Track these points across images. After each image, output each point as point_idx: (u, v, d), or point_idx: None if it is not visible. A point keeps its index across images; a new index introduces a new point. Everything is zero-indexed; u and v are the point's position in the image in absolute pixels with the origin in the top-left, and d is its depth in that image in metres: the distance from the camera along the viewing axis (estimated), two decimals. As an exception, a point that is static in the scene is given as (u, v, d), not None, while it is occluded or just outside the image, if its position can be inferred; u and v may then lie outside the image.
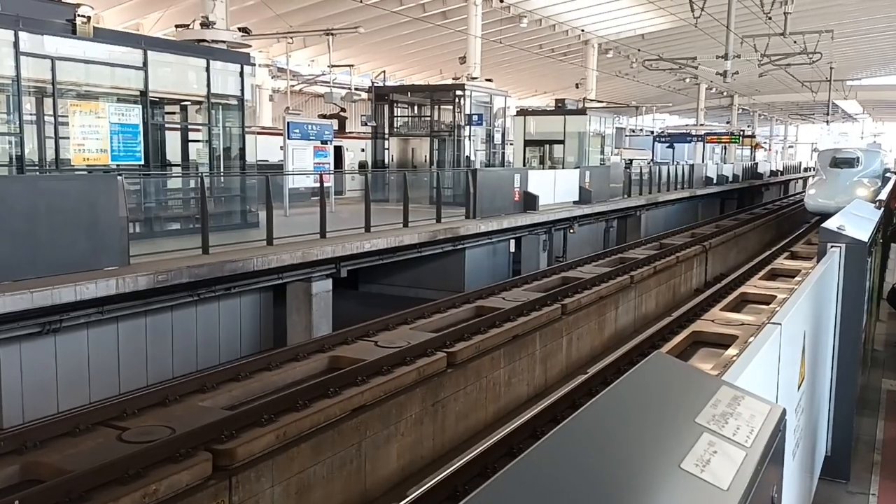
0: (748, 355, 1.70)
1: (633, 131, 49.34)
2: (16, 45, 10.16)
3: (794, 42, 26.67)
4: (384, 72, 29.33)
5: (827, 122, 52.23)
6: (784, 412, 1.36)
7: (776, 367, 2.09)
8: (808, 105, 53.72)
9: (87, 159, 11.22)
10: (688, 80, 41.41)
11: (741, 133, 49.40)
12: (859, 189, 22.86)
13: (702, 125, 46.68)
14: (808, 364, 2.84)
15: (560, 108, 28.15)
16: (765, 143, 62.85)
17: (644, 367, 1.39)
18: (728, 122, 54.90)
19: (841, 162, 25.66)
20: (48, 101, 11.12)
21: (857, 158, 25.71)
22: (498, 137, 23.53)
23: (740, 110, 57.10)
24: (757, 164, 47.26)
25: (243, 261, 10.51)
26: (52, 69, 10.68)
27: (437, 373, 8.89)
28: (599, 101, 34.68)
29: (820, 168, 26.72)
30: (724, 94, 51.66)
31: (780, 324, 2.11)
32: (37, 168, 10.95)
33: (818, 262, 4.42)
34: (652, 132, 51.20)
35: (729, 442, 1.17)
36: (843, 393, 3.84)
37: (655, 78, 39.52)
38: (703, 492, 1.05)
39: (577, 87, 34.28)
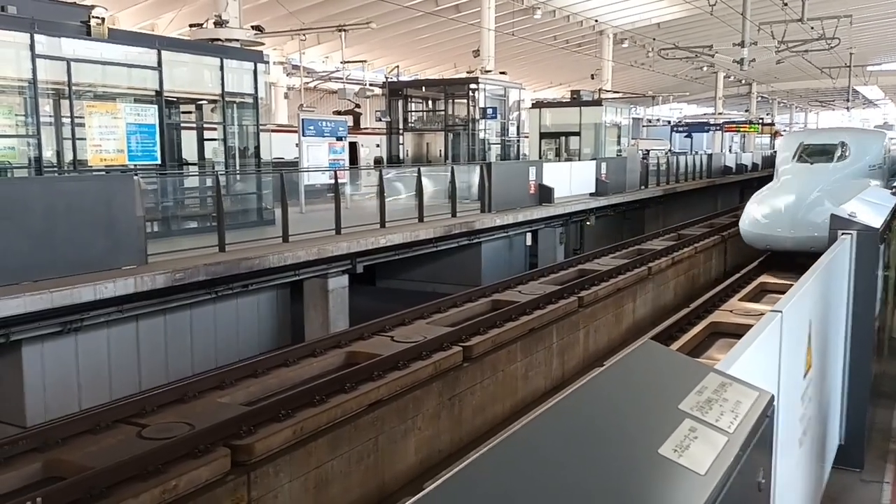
0: (744, 343, 1.70)
1: (651, 121, 49.04)
2: (32, 47, 10.28)
3: (812, 28, 26.35)
4: (398, 67, 29.36)
5: (847, 108, 51.61)
6: (772, 398, 1.36)
7: (777, 355, 2.08)
8: (828, 91, 53.10)
9: (105, 160, 11.35)
10: (705, 69, 41.06)
11: (760, 121, 48.94)
12: (843, 197, 11.25)
13: (720, 114, 46.31)
14: (815, 352, 2.83)
15: (575, 100, 28.05)
16: (785, 130, 62.25)
17: (632, 355, 1.40)
18: (747, 111, 54.42)
19: (813, 152, 15.58)
20: (65, 103, 11.25)
21: (841, 146, 15.48)
22: (513, 130, 23.49)
23: (759, 98, 56.56)
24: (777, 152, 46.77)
25: (259, 258, 10.59)
26: (68, 71, 10.80)
27: (453, 367, 8.90)
28: (615, 92, 34.51)
29: (778, 165, 16.36)
30: (742, 81, 51.18)
31: (780, 312, 2.10)
32: (55, 169, 11.09)
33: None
34: (669, 122, 50.86)
35: (711, 427, 1.18)
36: (856, 381, 3.81)
37: (672, 67, 39.24)
38: (679, 477, 1.06)
39: (593, 78, 34.14)
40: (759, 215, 14.46)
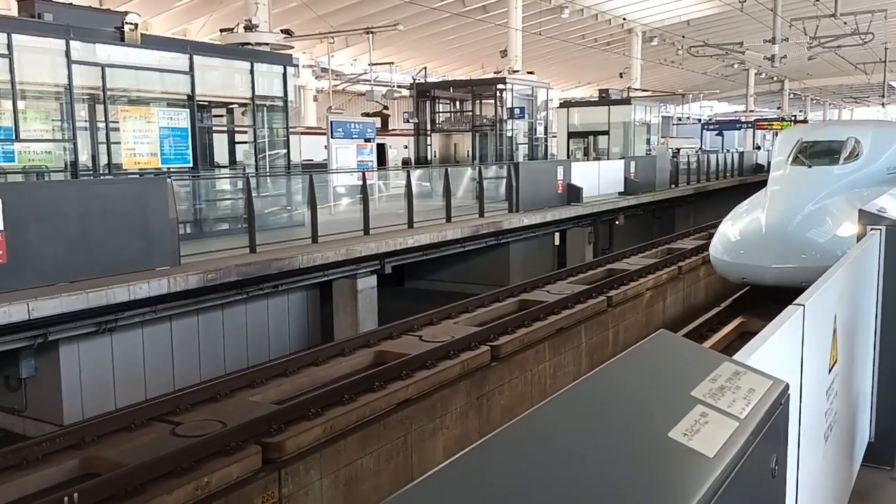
0: (764, 335, 1.72)
1: (680, 119, 48.59)
2: (67, 53, 10.51)
3: (845, 23, 25.94)
4: (425, 68, 29.45)
5: (883, 104, 50.65)
6: (786, 387, 1.38)
7: (799, 348, 2.09)
8: (863, 87, 52.19)
9: (138, 163, 11.57)
10: (735, 66, 40.60)
11: (793, 118, 48.24)
12: (850, 211, 8.98)
13: (751, 111, 45.73)
14: (842, 347, 2.82)
15: (604, 99, 27.91)
16: (818, 127, 61.17)
17: (647, 344, 1.42)
18: (779, 108, 53.65)
19: (813, 152, 12.48)
20: (99, 108, 11.48)
21: (850, 143, 12.38)
22: (540, 130, 23.44)
23: (791, 95, 55.75)
24: (809, 149, 45.97)
25: (289, 259, 10.71)
26: (103, 76, 11.02)
27: (481, 366, 8.94)
28: (644, 90, 34.26)
29: (773, 169, 13.03)
30: (774, 78, 50.48)
31: (802, 305, 2.11)
32: (90, 173, 11.32)
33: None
34: (699, 120, 50.36)
35: (722, 413, 1.20)
36: (886, 378, 3.78)
37: (702, 65, 38.87)
38: (687, 459, 1.08)
39: (621, 77, 33.94)
40: (733, 238, 11.06)
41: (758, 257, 10.49)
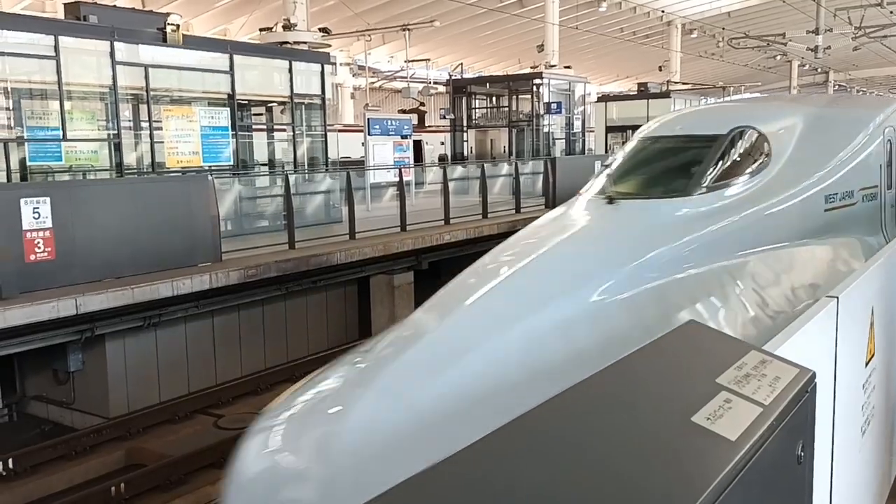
0: (795, 326, 1.73)
1: (721, 113, 47.78)
2: (112, 55, 10.76)
3: (892, 12, 25.30)
4: (461, 64, 29.46)
5: (932, 94, 49.22)
6: (813, 375, 1.39)
7: (833, 340, 2.08)
8: (911, 78, 50.74)
9: (181, 161, 11.79)
10: (778, 58, 39.84)
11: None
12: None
13: (794, 104, 44.76)
14: (880, 341, 2.79)
15: (643, 93, 27.63)
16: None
17: (675, 333, 1.44)
18: (823, 100, 52.43)
19: (656, 169, 6.44)
20: (143, 108, 11.73)
21: (742, 141, 6.17)
22: (578, 125, 23.30)
23: (836, 86, 54.52)
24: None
25: (327, 255, 10.84)
26: (146, 76, 11.26)
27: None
28: (684, 84, 33.82)
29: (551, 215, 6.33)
30: (818, 70, 49.41)
31: (836, 297, 2.10)
32: (135, 171, 11.58)
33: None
34: (741, 113, 49.43)
35: (746, 399, 1.22)
36: (929, 374, 3.71)
37: (743, 57, 38.21)
38: (709, 442, 1.11)
39: (661, 70, 33.54)
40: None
41: None
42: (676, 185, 5.86)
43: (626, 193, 5.93)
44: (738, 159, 6.11)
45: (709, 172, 5.79)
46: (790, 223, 5.90)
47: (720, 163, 5.92)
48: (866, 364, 2.59)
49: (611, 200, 5.74)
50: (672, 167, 6.34)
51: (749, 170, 5.97)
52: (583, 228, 5.76)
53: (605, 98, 29.74)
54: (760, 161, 6.05)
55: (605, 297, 4.54)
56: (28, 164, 10.23)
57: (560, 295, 4.47)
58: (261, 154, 14.80)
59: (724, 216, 5.51)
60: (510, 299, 4.48)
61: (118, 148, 11.09)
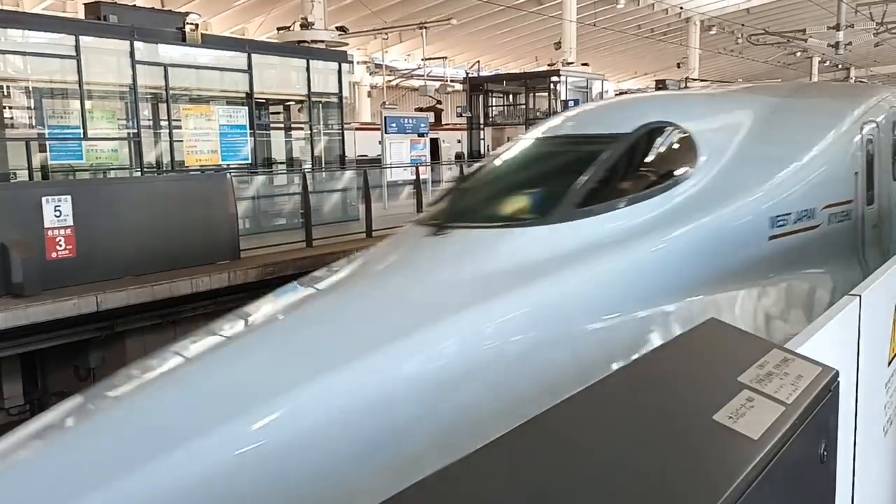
0: (816, 326, 1.71)
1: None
2: (132, 54, 10.85)
3: (915, 7, 24.99)
4: (478, 62, 29.44)
5: (955, 90, 48.53)
6: (836, 374, 1.38)
7: (854, 338, 2.07)
8: (934, 74, 50.14)
9: (200, 160, 11.87)
10: (798, 55, 39.48)
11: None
12: None
13: (814, 100, 44.31)
14: (903, 340, 2.76)
15: (661, 90, 27.48)
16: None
17: (695, 331, 1.44)
18: (844, 96, 51.84)
19: (535, 161, 4.77)
20: (162, 107, 11.82)
21: (651, 146, 4.53)
22: (595, 123, 23.20)
23: (857, 83, 53.94)
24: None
25: (344, 253, 10.87)
26: (165, 76, 11.34)
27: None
28: (703, 81, 33.60)
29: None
30: (839, 66, 48.92)
31: (859, 295, 2.08)
32: (154, 170, 11.67)
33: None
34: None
35: (768, 398, 1.22)
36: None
37: (763, 53, 37.90)
38: (731, 440, 1.10)
39: (679, 67, 33.35)
40: None
41: None
42: (537, 206, 4.12)
43: (467, 217, 4.15)
44: (642, 169, 4.42)
45: (587, 188, 3.93)
46: (710, 261, 4.02)
47: (611, 174, 4.12)
48: (889, 363, 2.57)
49: (439, 229, 3.98)
50: (542, 180, 4.49)
51: (655, 183, 4.17)
52: (373, 275, 4.02)
53: (622, 95, 29.60)
54: (678, 171, 4.30)
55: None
56: (49, 162, 10.34)
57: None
58: (278, 152, 14.87)
59: (595, 255, 3.66)
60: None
61: (138, 147, 11.18)
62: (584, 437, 1.09)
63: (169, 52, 11.48)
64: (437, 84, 28.27)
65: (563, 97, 21.60)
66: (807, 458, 1.26)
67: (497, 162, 4.95)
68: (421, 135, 17.53)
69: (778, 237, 4.39)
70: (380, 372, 2.90)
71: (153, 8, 18.02)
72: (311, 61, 13.80)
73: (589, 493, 0.96)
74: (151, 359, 3.31)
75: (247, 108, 12.55)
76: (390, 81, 33.28)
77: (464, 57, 35.84)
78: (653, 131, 4.44)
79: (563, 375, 3.02)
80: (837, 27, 22.85)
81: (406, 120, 17.55)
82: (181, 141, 11.72)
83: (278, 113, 15.50)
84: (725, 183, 4.30)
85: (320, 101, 14.22)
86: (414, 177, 14.00)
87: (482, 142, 22.73)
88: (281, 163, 14.87)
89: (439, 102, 28.94)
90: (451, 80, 29.21)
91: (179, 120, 11.77)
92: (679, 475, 1.02)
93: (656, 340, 3.54)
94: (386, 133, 16.77)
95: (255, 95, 12.73)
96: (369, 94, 34.60)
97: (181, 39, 11.44)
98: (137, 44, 10.91)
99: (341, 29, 17.21)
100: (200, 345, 3.36)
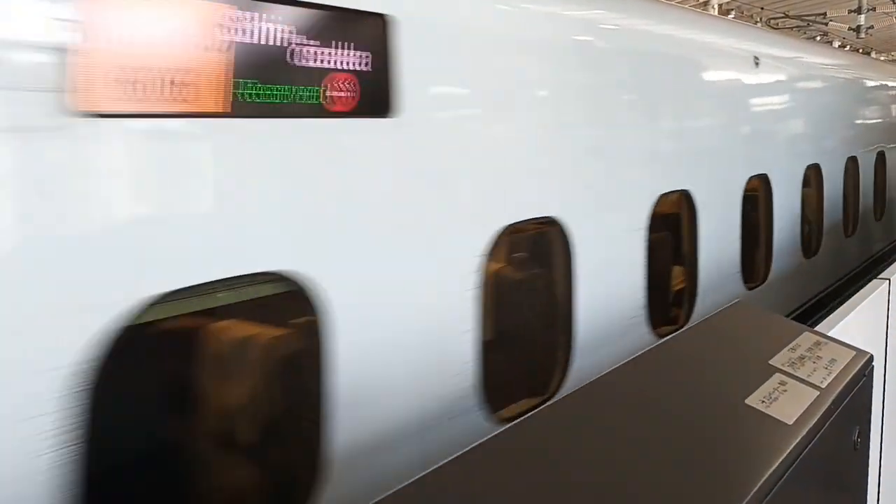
0: (846, 309, 1.66)
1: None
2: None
3: (939, -10, 24.46)
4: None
5: (979, 75, 47.73)
6: (871, 358, 1.33)
7: (884, 322, 2.01)
8: (957, 58, 49.28)
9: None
10: (818, 38, 38.89)
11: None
12: None
13: (834, 85, 43.69)
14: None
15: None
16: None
17: (723, 313, 1.39)
18: (864, 81, 51.11)
19: None
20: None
21: None
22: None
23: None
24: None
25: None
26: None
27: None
28: (720, 65, 33.19)
29: None
30: (860, 51, 48.19)
31: (888, 279, 2.02)
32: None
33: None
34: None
35: (802, 382, 1.17)
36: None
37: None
38: (765, 425, 1.06)
39: (696, 52, 32.97)
40: None
41: None
42: None
43: None
44: None
45: None
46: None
47: None
48: (917, 348, 2.51)
49: None
50: None
51: None
52: None
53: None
54: None
55: None
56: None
57: None
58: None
59: None
60: None
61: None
62: (615, 418, 1.05)
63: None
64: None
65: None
66: (841, 445, 1.22)
67: None
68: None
69: None
70: None
71: None
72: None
73: (628, 473, 0.93)
74: None
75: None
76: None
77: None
78: None
79: None
80: (859, 10, 22.37)
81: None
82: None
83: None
84: None
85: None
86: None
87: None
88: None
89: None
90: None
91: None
92: (716, 460, 0.99)
93: None
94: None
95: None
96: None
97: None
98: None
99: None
100: None
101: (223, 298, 2.30)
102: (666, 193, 3.93)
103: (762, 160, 5.16)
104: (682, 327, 3.51)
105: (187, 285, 2.04)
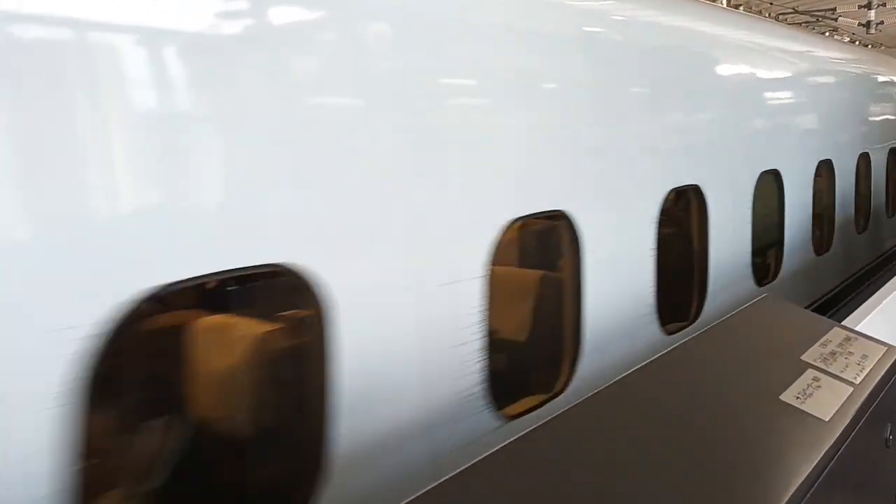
0: (873, 302, 1.64)
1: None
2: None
3: (950, -15, 24.26)
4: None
5: None
6: (902, 354, 1.32)
7: (908, 317, 1.99)
8: (968, 54, 48.91)
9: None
10: (827, 34, 38.65)
11: None
12: None
13: (843, 81, 43.43)
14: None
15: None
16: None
17: (751, 308, 1.38)
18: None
19: None
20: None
21: None
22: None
23: (887, 63, 52.76)
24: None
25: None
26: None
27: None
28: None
29: None
30: (870, 47, 47.89)
31: (912, 275, 2.00)
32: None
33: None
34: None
35: (835, 378, 1.16)
36: None
37: (790, 33, 37.07)
38: (801, 422, 1.05)
39: (705, 47, 32.81)
40: None
41: None
42: None
43: None
44: None
45: None
46: None
47: None
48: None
49: None
50: None
51: None
52: None
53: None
54: None
55: None
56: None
57: None
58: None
59: None
60: None
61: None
62: (648, 414, 1.04)
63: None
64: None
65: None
66: (874, 442, 1.20)
67: None
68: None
69: None
70: None
71: None
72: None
73: (664, 473, 0.91)
74: None
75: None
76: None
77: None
78: None
79: None
80: (869, 6, 22.22)
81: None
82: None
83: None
84: None
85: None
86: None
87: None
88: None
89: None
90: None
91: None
92: (752, 455, 0.97)
93: None
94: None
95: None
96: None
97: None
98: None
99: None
100: None
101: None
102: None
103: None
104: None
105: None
